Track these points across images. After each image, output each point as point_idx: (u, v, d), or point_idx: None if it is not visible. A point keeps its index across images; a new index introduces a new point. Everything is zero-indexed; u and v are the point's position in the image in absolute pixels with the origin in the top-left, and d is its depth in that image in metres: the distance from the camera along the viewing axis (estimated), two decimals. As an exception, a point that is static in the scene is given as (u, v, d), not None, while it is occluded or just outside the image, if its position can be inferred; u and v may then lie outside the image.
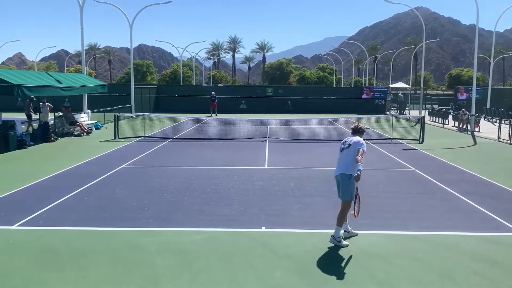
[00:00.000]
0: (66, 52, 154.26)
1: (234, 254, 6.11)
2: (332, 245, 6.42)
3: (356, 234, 6.86)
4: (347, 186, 6.52)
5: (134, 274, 5.47)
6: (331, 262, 5.86)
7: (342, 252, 6.20)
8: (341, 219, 6.50)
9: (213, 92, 35.73)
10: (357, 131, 6.86)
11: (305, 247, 6.39)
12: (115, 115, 20.06)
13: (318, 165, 12.84)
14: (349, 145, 6.64)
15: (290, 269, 5.63)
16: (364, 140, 6.78)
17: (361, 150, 6.46)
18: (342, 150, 6.76)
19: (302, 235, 6.92)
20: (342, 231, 6.57)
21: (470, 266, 5.78)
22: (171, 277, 5.38)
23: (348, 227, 6.82)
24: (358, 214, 6.53)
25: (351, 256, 6.04)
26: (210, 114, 32.35)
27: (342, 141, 6.90)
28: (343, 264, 5.79)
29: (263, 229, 7.15)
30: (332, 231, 6.57)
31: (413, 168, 12.46)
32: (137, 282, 5.25)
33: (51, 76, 18.89)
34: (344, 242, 6.43)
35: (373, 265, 5.75)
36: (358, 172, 6.26)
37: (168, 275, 5.43)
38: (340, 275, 5.46)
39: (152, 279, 5.31)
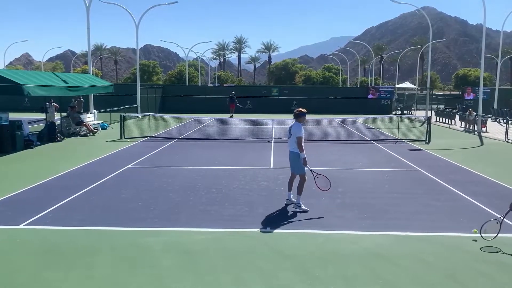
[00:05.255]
0: (73, 53, 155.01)
1: (238, 254, 6.11)
2: (337, 246, 6.45)
3: (307, 211, 8.05)
4: (297, 162, 8.16)
5: (139, 274, 5.49)
6: (336, 263, 5.84)
7: (347, 252, 6.18)
8: (301, 189, 8.13)
9: (233, 92, 35.39)
10: (296, 115, 8.24)
11: (310, 247, 6.38)
12: (121, 115, 20.15)
13: (323, 166, 12.78)
14: (290, 133, 8.27)
15: (294, 269, 5.62)
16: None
17: (298, 138, 7.99)
18: (289, 136, 8.33)
19: (307, 235, 6.91)
20: (302, 201, 8.17)
21: (476, 267, 5.74)
22: (176, 277, 5.39)
23: (290, 196, 8.50)
24: (325, 189, 8.18)
25: (356, 257, 6.02)
26: (230, 115, 31.94)
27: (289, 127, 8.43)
28: (347, 265, 5.76)
29: (268, 229, 7.15)
30: (337, 232, 6.95)
31: (419, 169, 12.40)
32: (142, 282, 5.26)
33: (57, 76, 19.00)
34: (304, 207, 8.08)
35: (378, 266, 5.73)
36: (303, 160, 8.02)
37: (173, 275, 5.44)
38: (344, 276, 5.44)
39: (157, 279, 5.32)
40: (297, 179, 8.36)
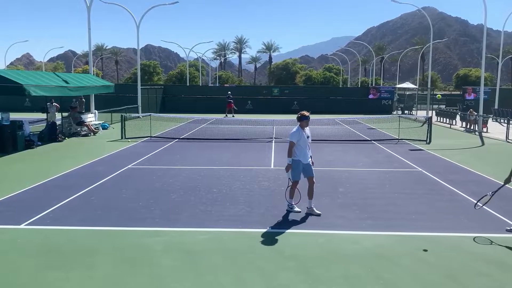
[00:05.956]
0: (74, 53, 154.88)
1: (239, 254, 6.11)
2: (337, 246, 6.47)
3: (319, 214, 7.84)
4: (294, 168, 7.80)
5: (139, 273, 5.49)
6: (337, 263, 5.85)
7: (348, 252, 6.19)
8: (291, 193, 7.99)
9: (229, 92, 35.45)
10: (298, 119, 7.88)
11: (310, 247, 6.39)
12: (122, 115, 20.15)
13: (324, 166, 12.79)
14: None
15: (295, 269, 5.63)
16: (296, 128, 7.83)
17: (289, 143, 7.74)
18: None
19: (307, 235, 6.91)
20: (293, 204, 8.04)
21: (476, 267, 5.74)
22: (176, 277, 5.39)
23: (311, 204, 7.99)
24: (293, 201, 8.00)
25: (356, 257, 6.02)
26: (225, 115, 32.12)
27: None
28: (348, 265, 5.77)
29: (269, 229, 7.15)
30: (338, 232, 7.03)
31: (420, 169, 12.39)
32: (142, 281, 5.27)
33: (58, 76, 19.03)
34: (297, 209, 7.99)
35: (379, 266, 5.73)
36: (287, 165, 7.78)
37: (173, 275, 5.45)
38: (345, 276, 5.44)
39: (157, 279, 5.33)
40: (308, 183, 8.09)
